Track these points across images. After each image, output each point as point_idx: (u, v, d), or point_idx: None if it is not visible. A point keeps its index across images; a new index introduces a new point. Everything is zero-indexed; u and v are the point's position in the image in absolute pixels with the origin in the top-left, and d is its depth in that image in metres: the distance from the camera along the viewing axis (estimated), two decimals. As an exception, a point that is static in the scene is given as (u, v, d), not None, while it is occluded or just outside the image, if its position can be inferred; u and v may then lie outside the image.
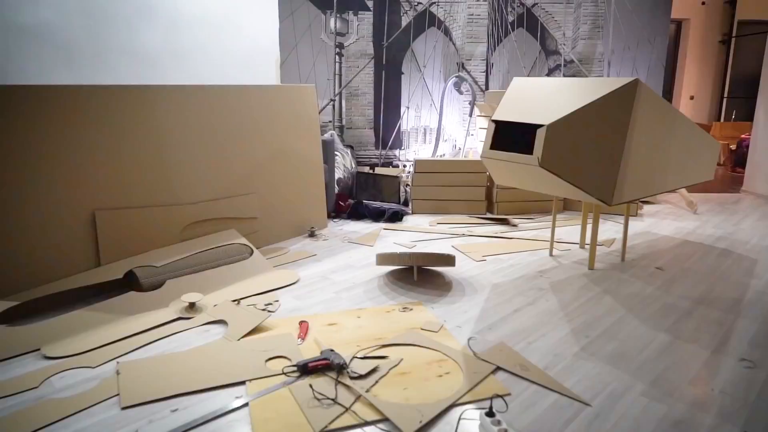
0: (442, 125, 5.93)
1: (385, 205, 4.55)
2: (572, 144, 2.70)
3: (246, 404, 1.78)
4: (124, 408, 1.75)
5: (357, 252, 3.50)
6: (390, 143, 5.87)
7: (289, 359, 2.07)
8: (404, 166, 5.86)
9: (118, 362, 2.05)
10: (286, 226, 3.72)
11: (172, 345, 2.21)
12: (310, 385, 1.85)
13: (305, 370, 1.94)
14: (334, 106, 5.72)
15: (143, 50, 5.48)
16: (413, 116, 5.87)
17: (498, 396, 1.80)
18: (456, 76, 5.82)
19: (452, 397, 1.82)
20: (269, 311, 2.52)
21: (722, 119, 9.15)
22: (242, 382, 1.91)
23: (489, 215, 4.59)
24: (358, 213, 4.43)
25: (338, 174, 4.80)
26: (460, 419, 1.71)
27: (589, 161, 2.78)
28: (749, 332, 2.40)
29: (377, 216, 4.37)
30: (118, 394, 1.83)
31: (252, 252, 3.11)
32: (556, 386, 1.91)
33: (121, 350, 2.15)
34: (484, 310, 2.61)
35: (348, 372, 1.95)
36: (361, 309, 2.57)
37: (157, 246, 2.96)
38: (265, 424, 1.67)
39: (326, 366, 1.96)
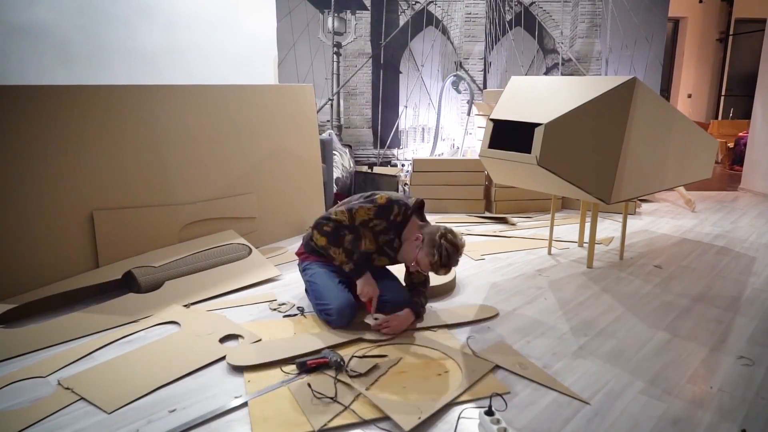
0: (441, 124, 5.93)
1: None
2: (570, 142, 2.70)
3: (245, 403, 1.78)
4: (111, 412, 1.74)
5: (355, 251, 3.50)
6: (388, 142, 5.87)
7: (242, 336, 2.21)
8: (402, 165, 5.86)
9: (58, 380, 1.91)
10: (284, 226, 3.71)
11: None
12: (309, 384, 1.85)
13: (304, 368, 1.94)
14: (332, 105, 5.72)
15: (140, 50, 5.47)
16: (411, 115, 5.87)
17: (497, 395, 1.80)
18: (454, 75, 5.82)
19: (451, 395, 1.82)
20: (279, 311, 2.54)
21: (720, 117, 9.17)
22: (219, 360, 1.91)
23: (487, 214, 4.59)
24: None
25: (336, 173, 4.80)
26: (459, 418, 1.71)
27: (587, 160, 2.78)
28: (748, 330, 2.41)
29: (376, 215, 4.35)
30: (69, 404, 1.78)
31: (251, 251, 3.10)
32: (555, 385, 1.92)
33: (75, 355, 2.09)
34: (482, 308, 2.60)
35: (347, 370, 1.95)
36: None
37: (156, 246, 2.95)
38: (265, 422, 1.67)
39: (325, 364, 1.96)
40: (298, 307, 2.55)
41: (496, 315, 2.50)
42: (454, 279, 2.86)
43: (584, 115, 2.69)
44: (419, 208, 2.40)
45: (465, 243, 2.27)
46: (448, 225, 2.30)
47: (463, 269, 3.15)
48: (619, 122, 2.82)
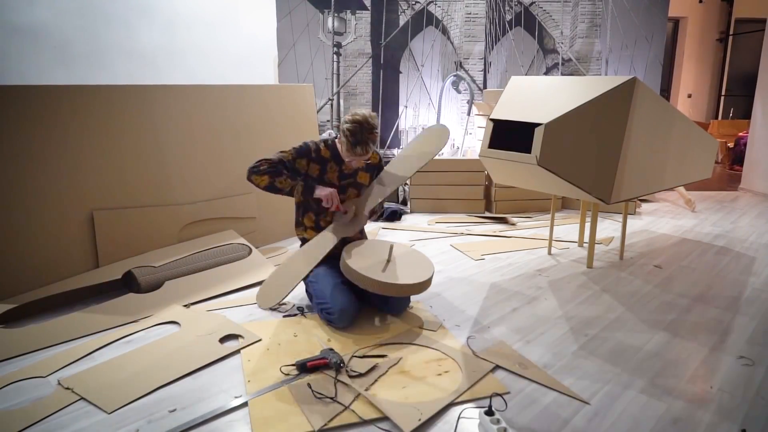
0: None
1: (384, 204, 4.55)
2: (570, 142, 2.70)
3: (245, 403, 1.78)
4: (111, 412, 1.74)
5: (355, 251, 3.50)
6: (388, 142, 5.87)
7: (241, 336, 2.23)
8: (402, 165, 5.85)
9: (58, 380, 1.92)
10: (284, 226, 3.71)
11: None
12: (309, 384, 1.85)
13: (304, 368, 1.94)
14: (332, 105, 5.72)
15: (140, 50, 5.47)
16: (411, 115, 5.87)
17: (497, 394, 1.80)
18: (454, 75, 5.82)
19: (451, 395, 1.82)
20: (279, 311, 2.54)
21: (720, 117, 9.16)
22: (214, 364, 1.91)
23: (487, 214, 4.59)
24: (356, 212, 4.43)
25: (336, 173, 4.80)
26: (459, 418, 1.71)
27: (587, 160, 2.78)
28: (747, 330, 2.41)
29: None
30: (70, 404, 1.78)
31: (251, 251, 3.10)
32: (555, 385, 1.91)
33: (75, 355, 2.10)
34: (482, 308, 2.60)
35: (347, 371, 1.94)
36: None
37: (156, 246, 2.95)
38: (265, 423, 1.67)
39: (325, 365, 1.96)
40: (298, 307, 2.55)
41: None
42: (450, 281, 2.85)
43: (584, 115, 2.69)
44: None
45: (368, 115, 2.37)
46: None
47: (463, 269, 3.15)
48: (619, 122, 2.82)
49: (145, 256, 2.85)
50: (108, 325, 2.36)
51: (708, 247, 3.71)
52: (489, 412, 1.64)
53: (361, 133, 2.33)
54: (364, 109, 2.41)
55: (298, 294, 2.72)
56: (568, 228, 4.13)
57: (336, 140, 2.52)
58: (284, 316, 2.47)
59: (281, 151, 2.48)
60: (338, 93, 5.70)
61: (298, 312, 2.50)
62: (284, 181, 2.42)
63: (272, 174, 2.39)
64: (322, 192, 2.44)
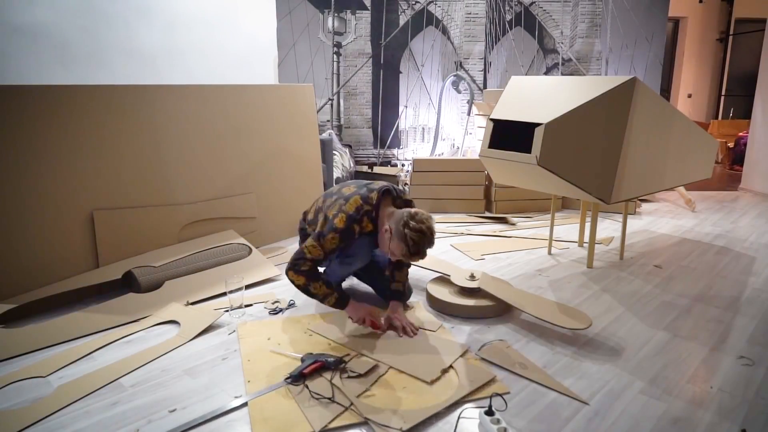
0: (441, 124, 5.93)
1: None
2: (570, 142, 2.70)
3: (245, 404, 1.78)
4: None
5: (355, 251, 3.50)
6: (388, 142, 5.87)
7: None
8: (402, 165, 5.86)
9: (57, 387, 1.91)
10: (284, 226, 3.71)
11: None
12: (306, 386, 1.84)
13: (300, 377, 1.90)
14: (332, 105, 5.72)
15: (140, 50, 5.47)
16: (411, 115, 5.87)
17: (497, 395, 1.80)
18: (454, 75, 5.82)
19: (451, 396, 1.81)
20: (266, 308, 2.55)
21: (720, 117, 9.16)
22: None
23: (487, 214, 4.59)
24: (356, 212, 4.42)
25: (337, 173, 4.80)
26: (459, 418, 1.71)
27: (587, 160, 2.78)
28: (747, 330, 2.41)
29: (376, 215, 4.36)
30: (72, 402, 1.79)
31: (251, 251, 3.10)
32: (555, 385, 1.91)
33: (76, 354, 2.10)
34: (482, 308, 2.60)
35: (348, 371, 1.94)
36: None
37: (156, 246, 2.95)
38: (265, 423, 1.67)
39: (322, 366, 1.95)
40: (290, 300, 2.62)
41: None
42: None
43: (584, 115, 2.69)
44: (384, 194, 2.31)
45: (432, 225, 2.18)
46: (414, 209, 2.20)
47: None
48: (619, 122, 2.82)
49: (145, 256, 2.85)
50: (108, 324, 2.37)
51: (708, 247, 3.71)
52: (489, 412, 1.64)
53: (423, 244, 2.16)
54: (424, 212, 2.20)
55: (299, 293, 2.73)
56: (568, 228, 4.13)
57: (386, 231, 2.22)
58: (270, 312, 2.52)
59: (319, 236, 2.23)
60: (338, 93, 5.70)
61: (287, 307, 2.56)
62: (319, 287, 2.25)
63: (309, 278, 2.25)
64: (356, 313, 2.30)
